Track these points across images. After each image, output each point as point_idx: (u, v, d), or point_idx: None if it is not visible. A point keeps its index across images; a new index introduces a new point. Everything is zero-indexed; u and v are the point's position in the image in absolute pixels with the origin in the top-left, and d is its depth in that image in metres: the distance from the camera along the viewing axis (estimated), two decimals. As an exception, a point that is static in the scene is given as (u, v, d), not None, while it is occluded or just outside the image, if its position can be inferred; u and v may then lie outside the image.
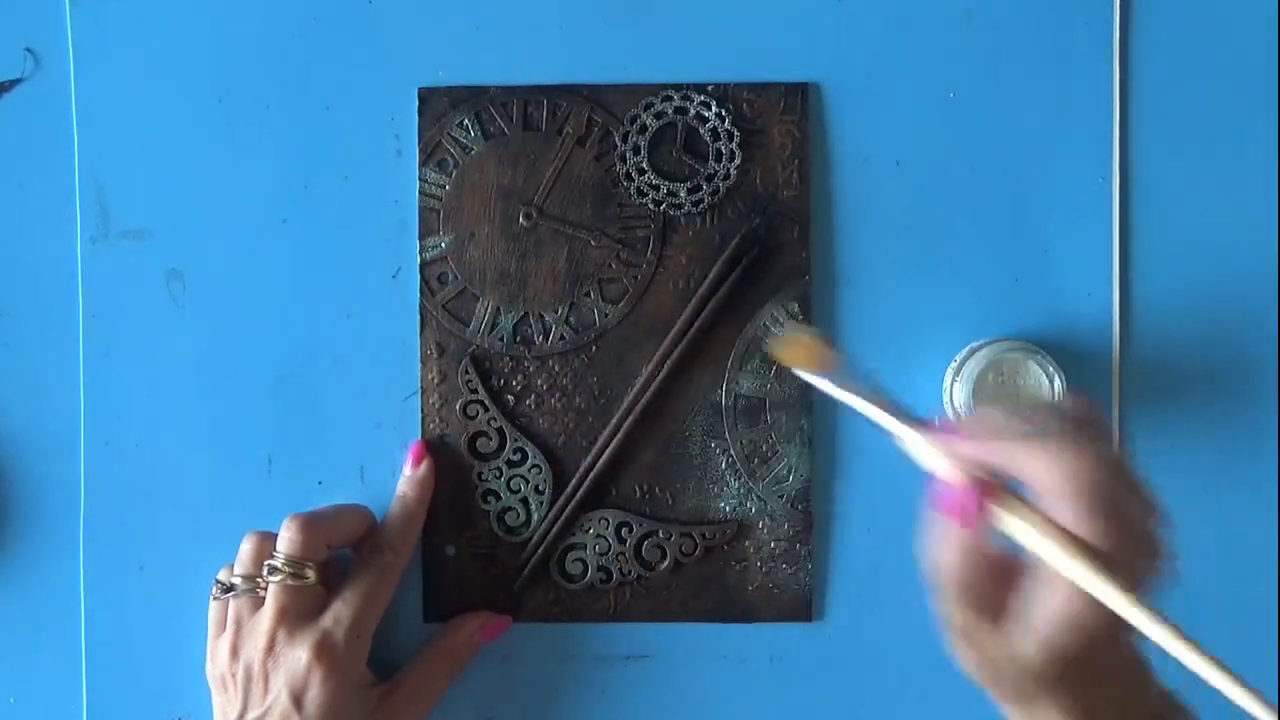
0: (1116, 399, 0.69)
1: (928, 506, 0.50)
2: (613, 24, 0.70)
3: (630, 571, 0.69)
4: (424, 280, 0.70)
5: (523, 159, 0.70)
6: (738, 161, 0.69)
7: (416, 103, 0.70)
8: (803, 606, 0.69)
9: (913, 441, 0.51)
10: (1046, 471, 0.47)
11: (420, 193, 0.70)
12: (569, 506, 0.69)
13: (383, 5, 0.70)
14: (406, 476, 0.69)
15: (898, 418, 0.52)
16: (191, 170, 0.70)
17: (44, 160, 0.70)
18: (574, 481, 0.69)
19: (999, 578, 0.49)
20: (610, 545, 0.69)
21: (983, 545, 0.49)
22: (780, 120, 0.69)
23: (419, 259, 0.70)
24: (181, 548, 0.70)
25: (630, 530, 0.69)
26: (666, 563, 0.69)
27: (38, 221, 0.70)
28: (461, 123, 0.70)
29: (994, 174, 0.69)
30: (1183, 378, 0.69)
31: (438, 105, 0.70)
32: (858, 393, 0.56)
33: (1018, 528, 0.48)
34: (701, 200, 0.69)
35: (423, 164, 0.70)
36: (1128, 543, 0.47)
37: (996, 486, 0.48)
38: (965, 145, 0.69)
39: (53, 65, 0.70)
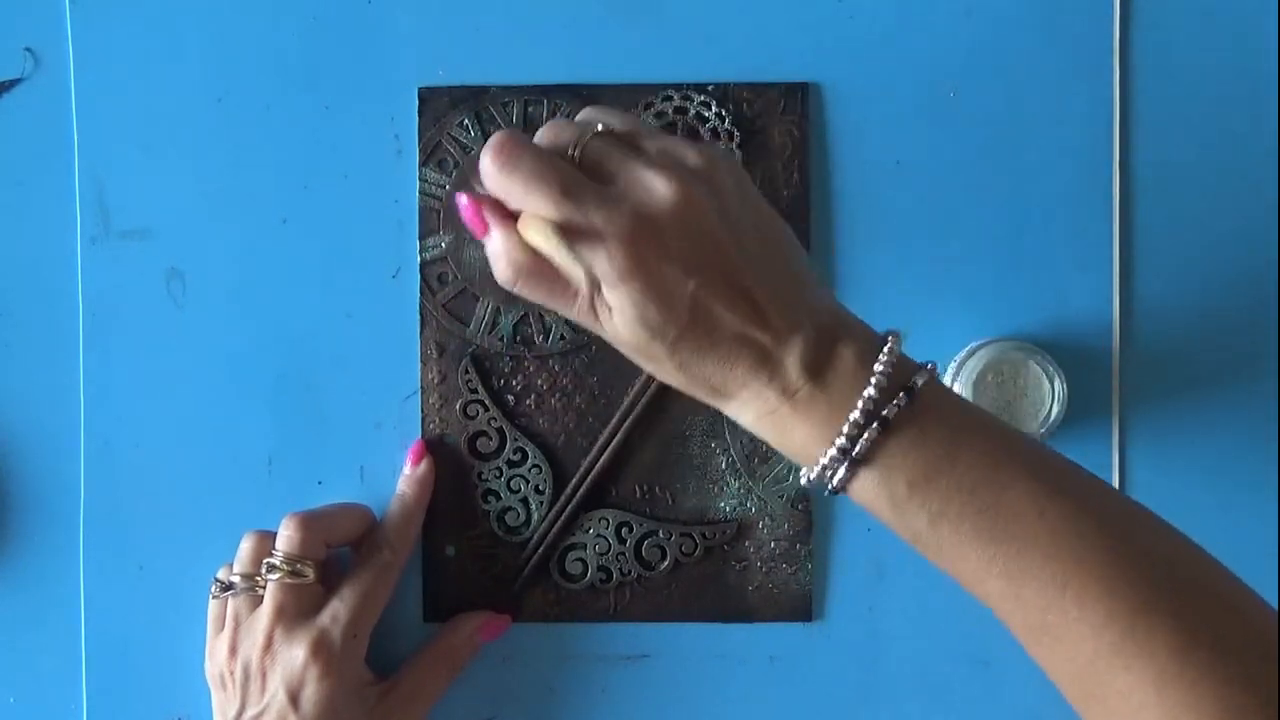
0: (1116, 399, 0.69)
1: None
2: (613, 24, 0.70)
3: (630, 571, 0.69)
4: (424, 280, 0.69)
5: None
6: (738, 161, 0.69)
7: (416, 103, 0.70)
8: (803, 607, 0.69)
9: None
10: (486, 180, 0.52)
11: (420, 193, 0.70)
12: (569, 506, 0.69)
13: (383, 5, 0.70)
14: (406, 475, 0.69)
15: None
16: (191, 170, 0.70)
17: (44, 160, 0.70)
18: (574, 481, 0.69)
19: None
20: (610, 545, 0.69)
21: (516, 246, 0.52)
22: (780, 120, 0.69)
23: (419, 259, 0.70)
24: (181, 548, 0.70)
25: (630, 530, 0.69)
26: (666, 563, 0.69)
27: (38, 221, 0.70)
28: (462, 122, 0.70)
29: (994, 174, 0.69)
30: (1183, 378, 0.69)
31: (438, 105, 0.70)
32: None
33: (524, 232, 0.51)
34: None
35: (423, 164, 0.70)
36: (577, 198, 0.50)
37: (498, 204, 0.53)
38: (965, 145, 0.69)
39: (53, 65, 0.70)
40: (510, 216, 0.52)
